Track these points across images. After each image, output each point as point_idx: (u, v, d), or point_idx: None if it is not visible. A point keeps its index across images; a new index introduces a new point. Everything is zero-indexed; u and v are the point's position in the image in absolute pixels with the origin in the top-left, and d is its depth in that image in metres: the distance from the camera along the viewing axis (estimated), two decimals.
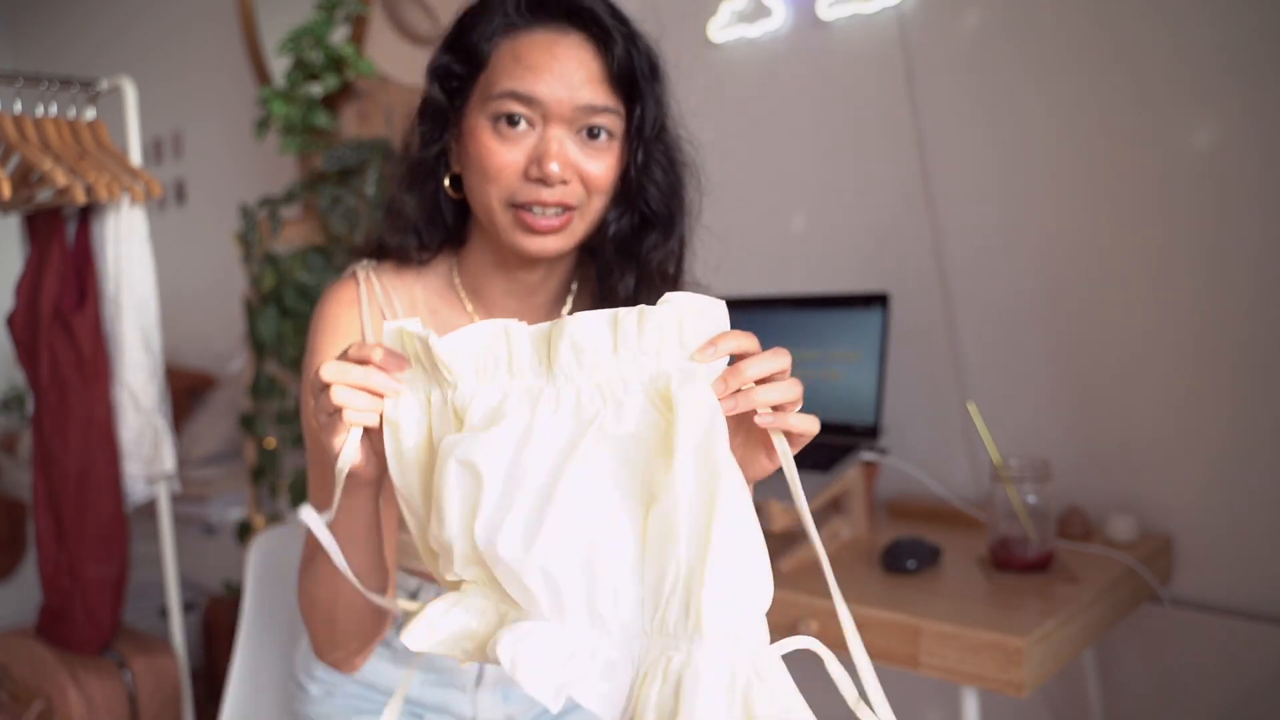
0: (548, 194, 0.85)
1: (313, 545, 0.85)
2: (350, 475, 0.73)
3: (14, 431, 4.14)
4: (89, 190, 1.79)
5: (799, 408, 0.68)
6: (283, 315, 2.15)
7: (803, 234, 1.94)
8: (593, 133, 0.87)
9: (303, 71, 2.16)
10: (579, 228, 0.89)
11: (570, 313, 0.80)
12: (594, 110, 0.86)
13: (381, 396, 0.70)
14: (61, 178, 1.73)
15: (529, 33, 0.86)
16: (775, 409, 0.66)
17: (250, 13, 2.51)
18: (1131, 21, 1.53)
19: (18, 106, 1.85)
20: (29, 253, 1.95)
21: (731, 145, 2.03)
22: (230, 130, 3.32)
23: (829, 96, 1.88)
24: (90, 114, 1.97)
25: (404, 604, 0.75)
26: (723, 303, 0.64)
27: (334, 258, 2.15)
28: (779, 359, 0.66)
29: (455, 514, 0.64)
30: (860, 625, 1.27)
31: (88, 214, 1.88)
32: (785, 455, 0.67)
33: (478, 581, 0.67)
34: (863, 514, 1.57)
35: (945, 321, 1.74)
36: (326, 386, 0.69)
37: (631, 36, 0.90)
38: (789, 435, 0.68)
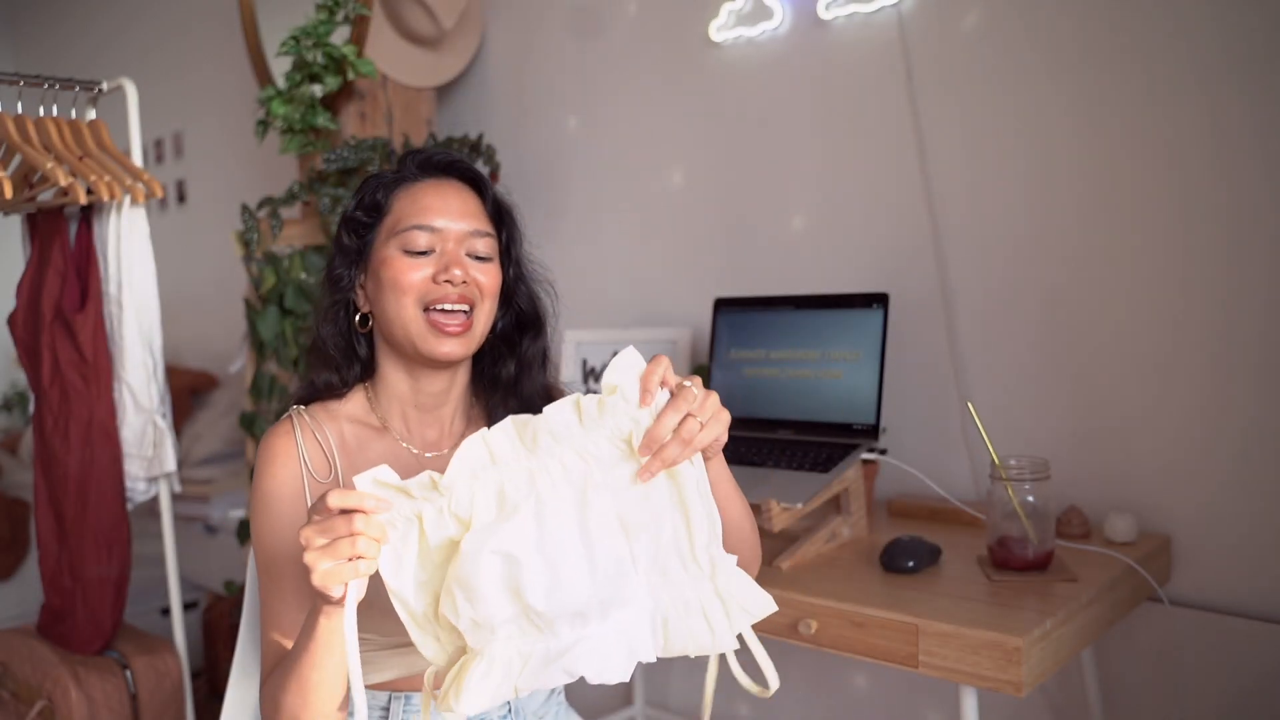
0: (454, 292, 1.05)
1: (278, 659, 0.99)
2: (338, 604, 0.84)
3: (15, 431, 4.14)
4: (90, 190, 1.80)
5: (724, 424, 0.90)
6: (283, 315, 2.15)
7: (803, 234, 1.94)
8: (477, 256, 1.09)
9: (303, 72, 2.16)
10: (476, 331, 1.08)
11: (473, 420, 1.14)
12: (478, 234, 1.09)
13: (378, 541, 0.82)
14: (63, 178, 1.73)
15: (422, 183, 1.10)
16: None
17: (250, 13, 2.51)
18: (1133, 19, 1.53)
19: (19, 107, 1.86)
20: (30, 253, 1.95)
21: (731, 145, 2.04)
22: (230, 130, 3.33)
23: (829, 96, 1.88)
24: (91, 114, 1.97)
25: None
26: (631, 347, 0.87)
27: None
28: (689, 402, 0.87)
29: (495, 592, 0.80)
30: (860, 625, 1.27)
31: (89, 214, 1.88)
32: (700, 468, 0.89)
33: (509, 637, 0.82)
34: (862, 514, 1.58)
35: (945, 321, 1.75)
36: (342, 533, 0.80)
37: (491, 186, 1.14)
38: (713, 444, 0.90)
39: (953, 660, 1.19)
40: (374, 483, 0.82)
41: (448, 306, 1.06)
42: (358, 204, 1.12)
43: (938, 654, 1.20)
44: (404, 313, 1.05)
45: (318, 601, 0.86)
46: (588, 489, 0.83)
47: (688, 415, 0.86)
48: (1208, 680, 1.48)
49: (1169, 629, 1.49)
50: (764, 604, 0.88)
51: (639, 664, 0.86)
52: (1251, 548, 1.46)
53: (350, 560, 0.80)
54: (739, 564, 0.90)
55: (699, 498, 0.86)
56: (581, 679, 0.83)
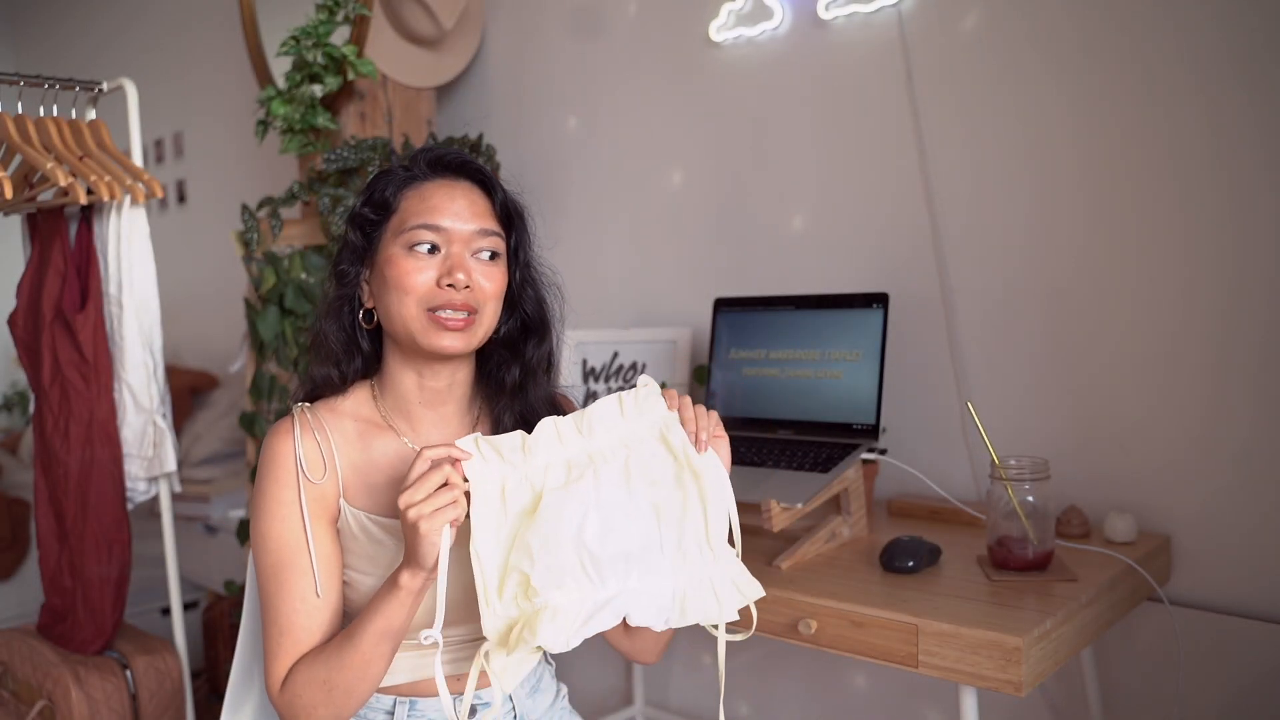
0: (457, 298, 1.06)
1: (294, 659, 1.06)
2: (420, 576, 0.98)
3: (15, 431, 4.14)
4: (90, 190, 1.80)
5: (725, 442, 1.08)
6: (283, 315, 2.15)
7: (803, 234, 1.94)
8: (483, 254, 1.09)
9: (303, 72, 2.16)
10: (478, 330, 1.09)
11: (479, 419, 1.17)
12: (485, 234, 1.09)
13: (465, 489, 0.97)
14: (63, 178, 1.73)
15: (431, 182, 1.11)
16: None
17: (250, 13, 2.51)
18: (1133, 20, 1.53)
19: (19, 107, 1.86)
20: (30, 253, 1.95)
21: (731, 145, 2.04)
22: (231, 130, 3.33)
23: (829, 96, 1.89)
24: (91, 114, 1.98)
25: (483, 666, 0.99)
26: (649, 378, 1.07)
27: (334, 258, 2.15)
28: (692, 408, 1.06)
29: (566, 540, 0.97)
30: (860, 624, 1.27)
31: (89, 214, 1.88)
32: (725, 457, 1.07)
33: (568, 588, 0.97)
34: (862, 514, 1.58)
35: (945, 321, 1.75)
36: (428, 494, 0.95)
37: (502, 187, 1.15)
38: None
39: (952, 660, 1.19)
40: (473, 441, 1.00)
41: (450, 313, 1.06)
42: (366, 200, 1.12)
43: (937, 654, 1.20)
44: (405, 311, 1.06)
45: (401, 572, 0.98)
46: (630, 466, 1.01)
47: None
48: (1208, 680, 1.48)
49: (1169, 629, 1.50)
50: (755, 588, 1.04)
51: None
52: (1251, 548, 1.46)
53: (446, 508, 0.95)
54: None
55: (718, 494, 1.03)
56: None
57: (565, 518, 0.97)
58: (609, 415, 1.03)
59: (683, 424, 1.05)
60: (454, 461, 0.98)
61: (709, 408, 1.09)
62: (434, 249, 1.07)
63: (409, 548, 0.96)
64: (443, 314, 1.06)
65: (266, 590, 1.07)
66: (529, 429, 1.08)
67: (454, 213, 1.08)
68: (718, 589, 1.02)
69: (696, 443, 1.04)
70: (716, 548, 1.03)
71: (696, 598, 1.01)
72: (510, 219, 1.14)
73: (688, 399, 1.06)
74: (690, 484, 1.03)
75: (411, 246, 1.07)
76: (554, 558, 0.96)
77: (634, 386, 1.07)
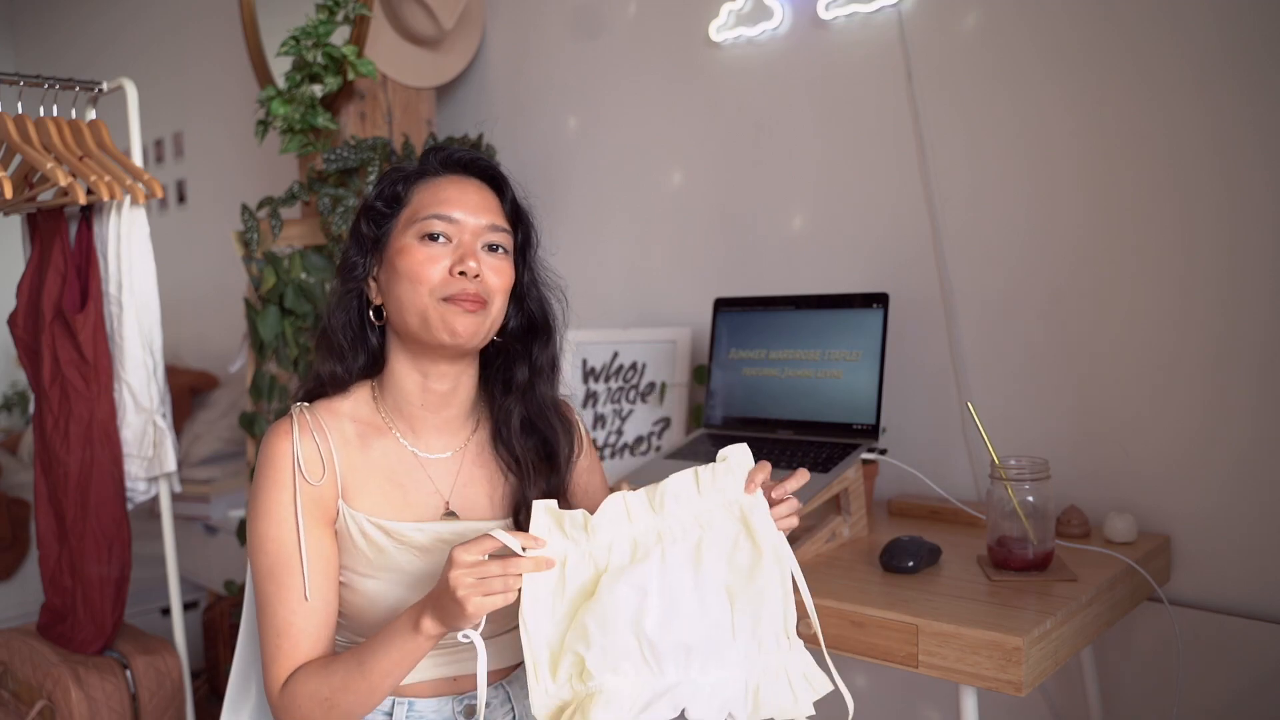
0: (470, 287, 1.06)
1: (293, 664, 1.05)
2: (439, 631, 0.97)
3: (15, 431, 4.14)
4: (90, 190, 1.80)
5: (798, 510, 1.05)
6: (283, 315, 2.15)
7: (803, 234, 1.94)
8: (493, 248, 1.11)
9: (303, 72, 2.16)
10: (486, 321, 1.09)
11: (479, 427, 1.17)
12: (494, 229, 1.11)
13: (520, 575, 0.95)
14: (63, 178, 1.73)
15: (444, 178, 1.13)
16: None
17: (250, 13, 2.51)
18: (1133, 20, 1.53)
19: (19, 107, 1.86)
20: (30, 253, 1.95)
21: (731, 145, 2.04)
22: (230, 130, 3.33)
23: (829, 96, 1.89)
24: (91, 114, 1.98)
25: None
26: (745, 446, 1.01)
27: (334, 258, 2.15)
28: (796, 483, 1.04)
29: (623, 624, 0.94)
30: (860, 625, 1.27)
31: (89, 214, 1.88)
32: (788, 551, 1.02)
33: (626, 674, 0.95)
34: (862, 514, 1.58)
35: (945, 321, 1.75)
36: (495, 573, 0.93)
37: (512, 186, 1.17)
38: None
39: (952, 660, 1.19)
40: (545, 510, 0.97)
41: (464, 298, 1.07)
42: (378, 195, 1.13)
43: (937, 654, 1.20)
44: (418, 300, 1.06)
45: (421, 624, 0.96)
46: (703, 548, 0.97)
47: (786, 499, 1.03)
48: (1207, 680, 1.48)
49: (1169, 629, 1.50)
50: (823, 682, 1.00)
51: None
52: (1251, 548, 1.46)
53: (498, 594, 0.93)
54: None
55: (792, 580, 1.01)
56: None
57: (624, 599, 0.95)
58: (684, 491, 0.99)
59: (769, 502, 1.01)
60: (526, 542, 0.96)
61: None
62: (446, 240, 1.08)
63: (444, 606, 0.95)
64: (457, 300, 1.07)
65: (264, 591, 1.07)
66: (535, 432, 1.09)
67: (466, 205, 1.09)
68: (793, 681, 0.99)
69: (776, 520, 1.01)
70: (793, 636, 1.00)
71: (772, 690, 0.98)
72: (519, 217, 1.16)
73: (767, 468, 1.01)
74: (772, 569, 0.99)
75: (424, 236, 1.07)
76: (611, 640, 0.94)
77: (714, 459, 1.02)
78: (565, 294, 1.21)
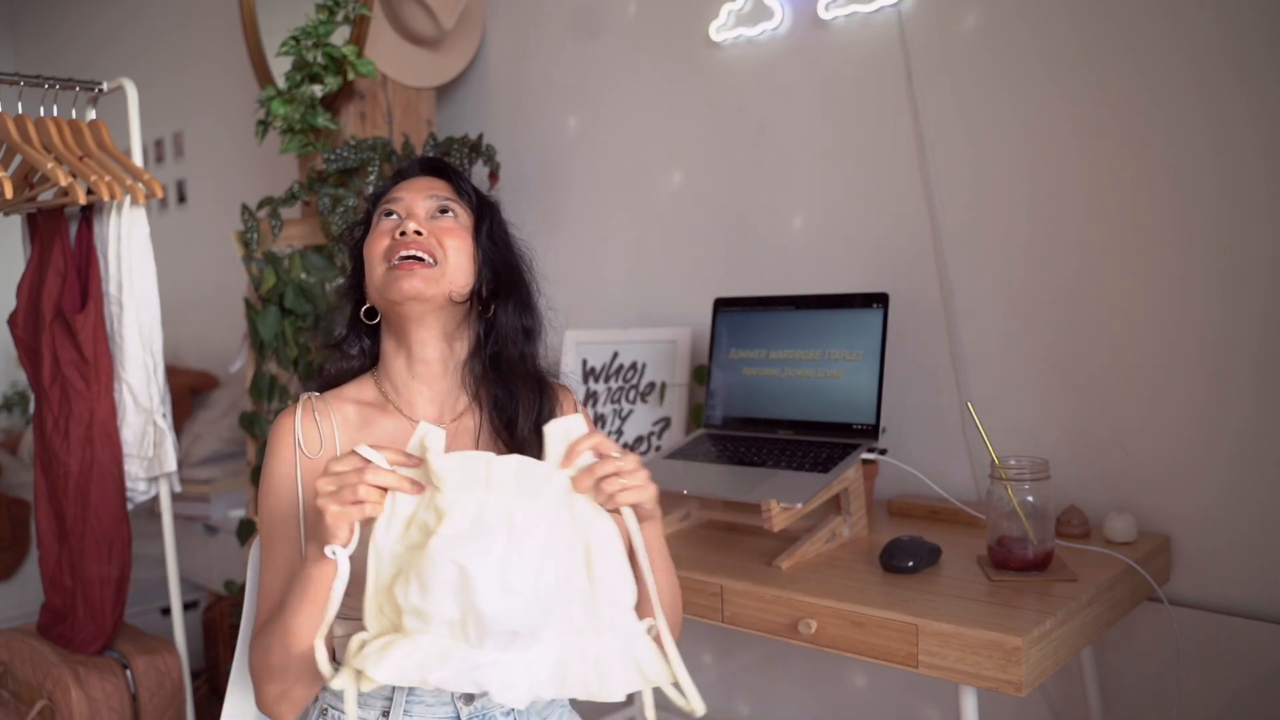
0: (410, 242, 1.12)
1: (272, 611, 1.06)
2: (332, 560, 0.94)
3: (15, 431, 4.14)
4: (90, 190, 1.80)
5: (649, 493, 0.97)
6: (283, 315, 2.15)
7: (803, 234, 1.94)
8: (442, 210, 1.17)
9: (303, 72, 2.16)
10: (442, 278, 1.12)
11: (472, 404, 1.17)
12: (436, 197, 1.17)
13: (385, 491, 0.92)
14: (63, 178, 1.73)
15: (410, 179, 1.22)
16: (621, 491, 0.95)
17: (250, 13, 2.51)
18: (1133, 20, 1.53)
19: (19, 107, 1.86)
20: (31, 253, 1.95)
21: (731, 145, 2.04)
22: (230, 130, 3.33)
23: (829, 96, 1.89)
24: (91, 114, 1.98)
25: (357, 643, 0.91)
26: (578, 416, 0.96)
27: (334, 258, 2.15)
28: (614, 463, 0.94)
29: (445, 594, 0.86)
30: (860, 624, 1.27)
31: (89, 214, 1.88)
32: (631, 524, 0.95)
33: (439, 635, 0.88)
34: (862, 514, 1.58)
35: (945, 322, 1.75)
36: (351, 482, 0.90)
37: (470, 182, 1.23)
38: (638, 506, 0.96)
39: (952, 660, 1.19)
40: (439, 435, 0.92)
41: (405, 254, 1.11)
42: (360, 219, 1.25)
43: (937, 654, 1.20)
44: (374, 272, 1.14)
45: (311, 553, 0.96)
46: (552, 539, 0.90)
47: (614, 474, 0.94)
48: (1207, 680, 1.48)
49: (1169, 629, 1.50)
50: (660, 675, 0.92)
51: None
52: (1251, 548, 1.46)
53: (355, 504, 0.90)
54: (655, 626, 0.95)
55: (606, 558, 0.92)
56: None
57: (449, 575, 0.87)
58: (542, 479, 0.92)
59: (597, 480, 0.94)
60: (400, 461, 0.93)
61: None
62: (397, 218, 1.16)
63: (317, 523, 0.94)
64: (398, 262, 1.11)
65: (262, 561, 1.13)
66: (508, 408, 1.13)
67: (411, 188, 1.18)
68: (600, 664, 0.91)
69: (605, 497, 0.94)
70: (604, 618, 0.92)
71: (576, 669, 0.90)
72: (476, 202, 1.22)
73: (591, 439, 0.95)
74: (579, 546, 0.92)
75: (378, 221, 1.17)
76: (429, 606, 0.87)
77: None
78: (534, 266, 1.24)
